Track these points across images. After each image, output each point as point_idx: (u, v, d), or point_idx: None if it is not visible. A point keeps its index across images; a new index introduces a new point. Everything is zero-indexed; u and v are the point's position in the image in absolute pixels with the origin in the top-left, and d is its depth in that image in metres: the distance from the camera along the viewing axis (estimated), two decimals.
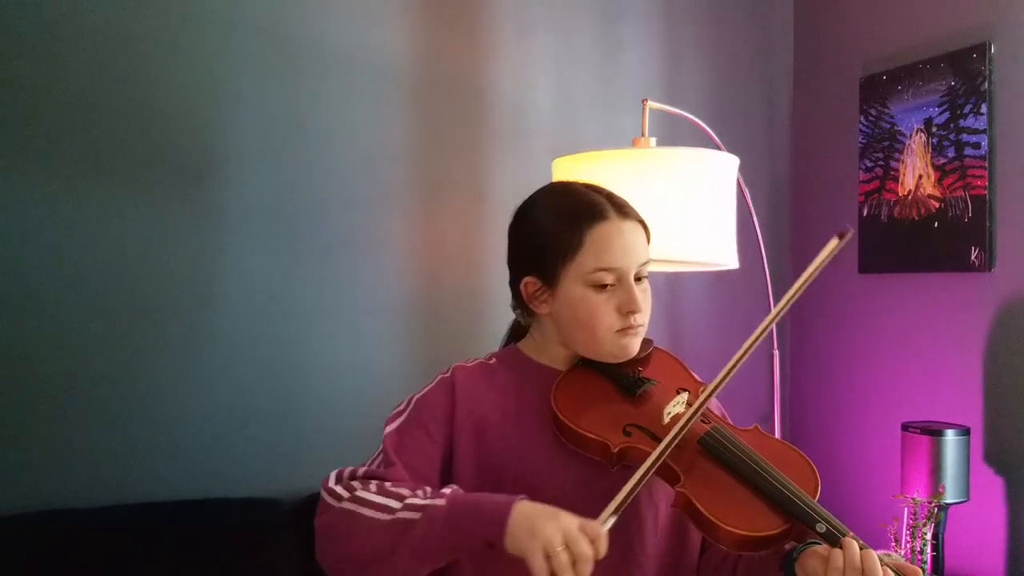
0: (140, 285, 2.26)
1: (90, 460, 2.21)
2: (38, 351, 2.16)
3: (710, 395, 1.33)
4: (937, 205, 2.57)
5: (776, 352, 2.59)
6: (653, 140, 2.18)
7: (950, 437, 2.30)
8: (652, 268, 2.33)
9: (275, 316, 2.41)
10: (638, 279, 1.42)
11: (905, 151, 2.68)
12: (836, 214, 2.93)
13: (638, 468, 1.28)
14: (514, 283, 1.47)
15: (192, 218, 2.32)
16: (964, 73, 2.50)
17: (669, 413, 1.39)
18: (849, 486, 2.87)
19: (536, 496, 1.33)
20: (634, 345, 1.43)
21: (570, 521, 1.18)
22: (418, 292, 2.58)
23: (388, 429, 1.41)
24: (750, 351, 1.33)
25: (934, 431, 2.31)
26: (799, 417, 3.10)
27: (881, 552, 2.15)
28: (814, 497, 1.29)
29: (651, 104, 2.23)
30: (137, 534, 2.15)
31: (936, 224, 2.57)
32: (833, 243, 1.30)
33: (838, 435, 2.94)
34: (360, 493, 1.28)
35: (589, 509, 1.29)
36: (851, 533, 1.24)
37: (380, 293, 2.53)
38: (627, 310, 1.39)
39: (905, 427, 2.38)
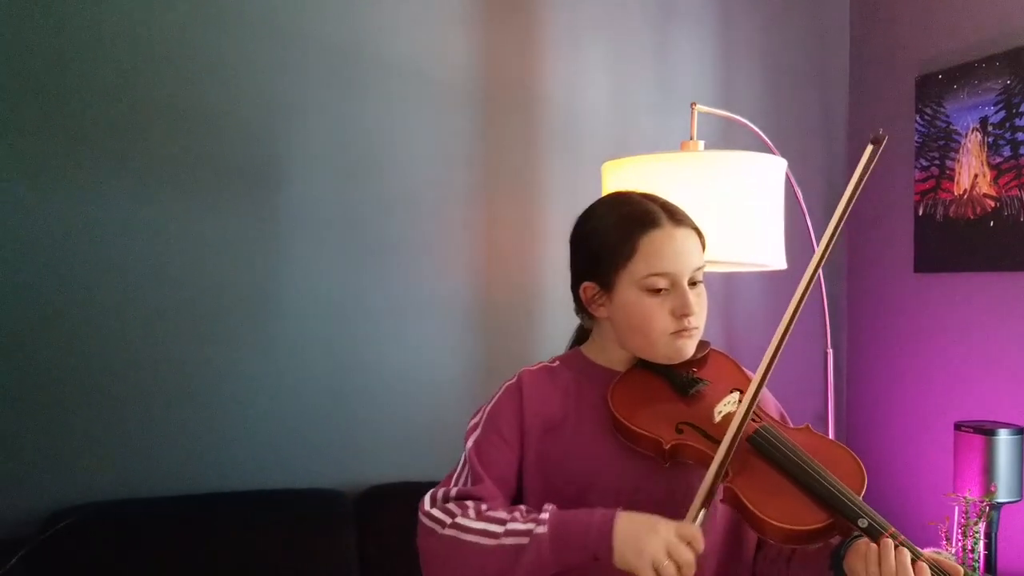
0: (203, 286, 2.37)
1: (161, 453, 2.33)
2: (107, 351, 2.29)
3: (763, 378, 1.38)
4: (993, 204, 2.56)
5: (830, 351, 2.59)
6: (701, 143, 2.21)
7: (1003, 436, 2.29)
8: None
9: (338, 316, 2.51)
10: (693, 283, 1.46)
11: (961, 150, 2.67)
12: (892, 213, 2.92)
13: (696, 463, 1.35)
14: (574, 288, 1.53)
15: (251, 221, 2.42)
16: (1020, 72, 2.49)
17: (720, 412, 1.44)
18: (902, 484, 2.86)
19: (594, 490, 1.42)
20: (688, 347, 1.47)
21: (668, 530, 1.26)
22: (474, 293, 2.65)
23: (469, 442, 1.49)
24: (799, 308, 1.38)
25: (987, 430, 2.30)
26: (853, 415, 3.10)
27: (930, 550, 2.16)
28: (859, 494, 1.32)
29: (699, 108, 2.26)
30: (205, 522, 2.26)
31: (992, 223, 2.56)
32: (868, 150, 1.32)
33: (891, 433, 2.93)
34: (460, 520, 1.36)
35: (644, 503, 1.36)
36: (892, 528, 1.27)
37: (438, 294, 2.61)
38: (680, 313, 1.43)
39: (958, 426, 2.38)
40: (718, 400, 1.46)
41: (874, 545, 1.26)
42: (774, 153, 2.31)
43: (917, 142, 2.81)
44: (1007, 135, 2.52)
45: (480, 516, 1.36)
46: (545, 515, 1.33)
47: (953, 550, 2.27)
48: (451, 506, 1.39)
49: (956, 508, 2.30)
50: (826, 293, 2.56)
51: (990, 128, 2.58)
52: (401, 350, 2.57)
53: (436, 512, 1.39)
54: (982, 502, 2.26)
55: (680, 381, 1.48)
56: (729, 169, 2.08)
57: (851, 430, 3.10)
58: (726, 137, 2.80)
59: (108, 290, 2.28)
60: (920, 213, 2.80)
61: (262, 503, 2.35)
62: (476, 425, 1.50)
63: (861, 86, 3.11)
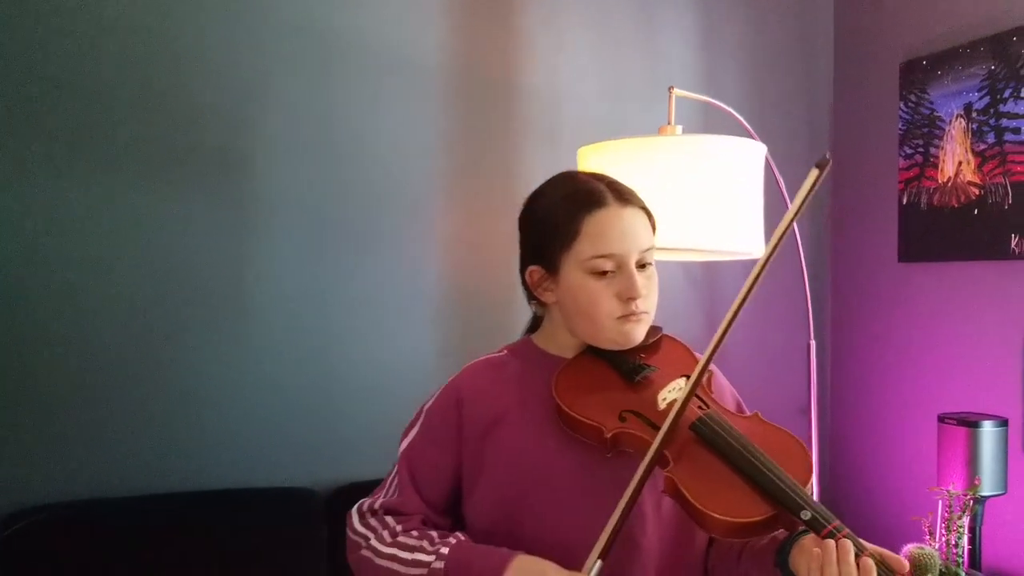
0: (174, 279, 2.30)
1: (128, 451, 2.26)
2: (74, 345, 2.21)
3: (705, 365, 1.33)
4: (977, 192, 2.52)
5: (813, 342, 2.55)
6: (679, 128, 2.16)
7: (987, 428, 2.26)
8: (678, 257, 2.33)
9: (308, 309, 2.44)
10: (641, 266, 1.41)
11: (945, 137, 2.62)
12: (876, 202, 2.88)
13: (638, 452, 1.30)
14: (522, 272, 1.50)
15: (225, 213, 2.35)
16: (1004, 57, 2.45)
17: (664, 399, 1.39)
18: (885, 478, 2.83)
19: (540, 482, 1.38)
20: (637, 332, 1.42)
21: None
22: (451, 285, 2.59)
23: (402, 445, 1.47)
24: (735, 319, 1.32)
25: (971, 422, 2.27)
26: (836, 408, 3.06)
27: (913, 546, 2.12)
28: (805, 484, 1.28)
29: (677, 92, 2.21)
30: (175, 522, 2.19)
31: (976, 211, 2.52)
32: (813, 174, 1.28)
33: (875, 426, 2.90)
34: (374, 542, 1.38)
35: (590, 495, 1.34)
36: (837, 521, 1.23)
37: (413, 286, 2.55)
38: (627, 296, 1.38)
39: (941, 418, 2.34)
40: (665, 387, 1.41)
41: (819, 541, 1.22)
42: (754, 139, 2.26)
43: (901, 129, 2.77)
44: (991, 121, 2.48)
45: (393, 540, 1.38)
46: (446, 549, 1.33)
47: (937, 545, 2.23)
48: (373, 522, 1.42)
49: (940, 502, 2.26)
50: (809, 284, 2.51)
51: (974, 115, 2.53)
52: (377, 344, 2.50)
53: (360, 528, 1.43)
54: (966, 496, 2.22)
55: (627, 367, 1.44)
56: (706, 154, 2.03)
57: (834, 423, 3.06)
58: (708, 125, 2.75)
59: (70, 283, 2.21)
60: (904, 202, 2.75)
61: (231, 502, 2.29)
62: (412, 425, 1.48)
63: (845, 72, 3.06)
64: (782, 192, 2.40)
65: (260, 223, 2.39)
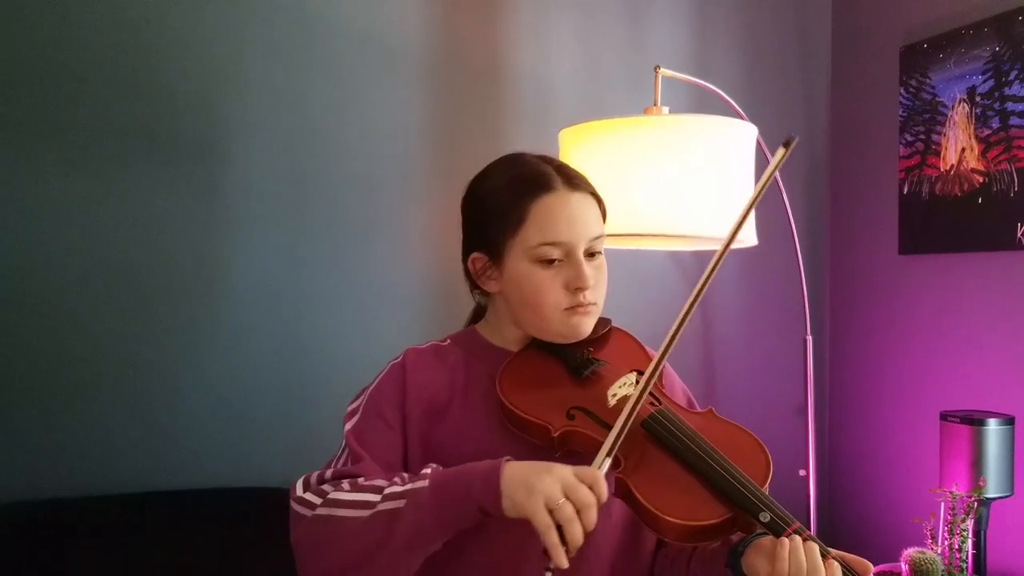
0: (143, 271, 2.21)
1: (96, 449, 2.17)
2: (37, 340, 2.12)
3: (660, 358, 1.27)
4: (981, 180, 2.42)
5: (810, 338, 2.46)
6: (666, 109, 2.07)
7: (992, 427, 2.16)
8: (666, 245, 2.23)
9: (284, 302, 2.35)
10: (590, 255, 1.36)
11: (947, 123, 2.52)
12: (875, 191, 2.79)
13: (587, 452, 1.24)
14: (464, 260, 1.45)
15: (197, 202, 2.26)
16: (1009, 37, 2.34)
17: (615, 395, 1.33)
18: (885, 479, 2.74)
19: None
20: (585, 325, 1.37)
21: (565, 471, 1.14)
22: (432, 277, 2.50)
23: (348, 426, 1.38)
24: (697, 301, 1.31)
25: (975, 420, 2.17)
26: (835, 406, 2.97)
27: (914, 550, 2.03)
28: (763, 484, 1.23)
29: (664, 71, 2.12)
30: (145, 523, 2.11)
31: (980, 200, 2.42)
32: (780, 152, 1.29)
33: (874, 425, 2.81)
34: (334, 495, 1.22)
35: None
36: (797, 523, 1.18)
37: (393, 278, 2.46)
38: (575, 287, 1.33)
39: (944, 416, 2.24)
40: (614, 382, 1.36)
41: (783, 541, 1.15)
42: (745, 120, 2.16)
43: (902, 116, 2.67)
44: (996, 105, 2.38)
45: (356, 487, 1.21)
46: (428, 470, 1.20)
47: (939, 549, 2.13)
48: (325, 487, 1.25)
49: (943, 504, 2.16)
50: (805, 277, 2.42)
51: (978, 99, 2.43)
52: (356, 338, 2.41)
53: (307, 496, 1.25)
54: (970, 497, 2.13)
55: (574, 362, 1.38)
56: (693, 134, 1.94)
57: (832, 422, 2.97)
58: (698, 109, 2.65)
59: (30, 277, 2.11)
60: (905, 191, 2.65)
61: (200, 503, 2.20)
62: (356, 409, 1.39)
63: (844, 57, 2.96)
64: (776, 178, 2.30)
65: (234, 213, 2.30)
